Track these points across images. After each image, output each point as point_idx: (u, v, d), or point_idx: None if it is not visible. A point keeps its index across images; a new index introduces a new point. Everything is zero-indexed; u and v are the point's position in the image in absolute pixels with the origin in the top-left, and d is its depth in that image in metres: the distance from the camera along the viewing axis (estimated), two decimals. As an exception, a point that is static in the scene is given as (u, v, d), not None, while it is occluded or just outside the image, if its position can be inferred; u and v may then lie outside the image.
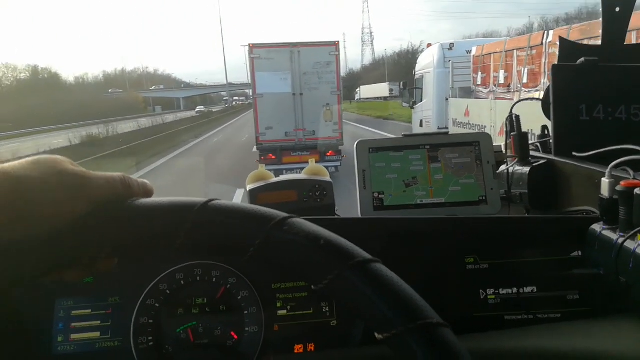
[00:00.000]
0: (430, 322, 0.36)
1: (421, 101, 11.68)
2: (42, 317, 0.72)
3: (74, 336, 0.72)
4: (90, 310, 0.73)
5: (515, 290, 0.77)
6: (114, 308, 0.73)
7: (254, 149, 11.31)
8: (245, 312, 0.74)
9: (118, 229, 0.42)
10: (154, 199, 0.44)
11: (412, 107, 12.29)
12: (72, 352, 0.71)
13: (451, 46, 10.97)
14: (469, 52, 10.70)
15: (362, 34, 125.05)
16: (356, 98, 68.16)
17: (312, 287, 0.40)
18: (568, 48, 1.17)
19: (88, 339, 0.72)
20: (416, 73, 12.23)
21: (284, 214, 0.42)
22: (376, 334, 0.38)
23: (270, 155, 10.36)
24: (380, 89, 63.16)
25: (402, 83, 12.47)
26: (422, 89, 11.69)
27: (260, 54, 10.20)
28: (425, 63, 11.58)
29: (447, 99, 10.50)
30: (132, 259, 0.73)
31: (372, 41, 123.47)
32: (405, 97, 12.54)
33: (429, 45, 12.27)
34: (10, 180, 0.38)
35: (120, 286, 0.73)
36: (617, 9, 1.09)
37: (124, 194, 0.44)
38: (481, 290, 0.77)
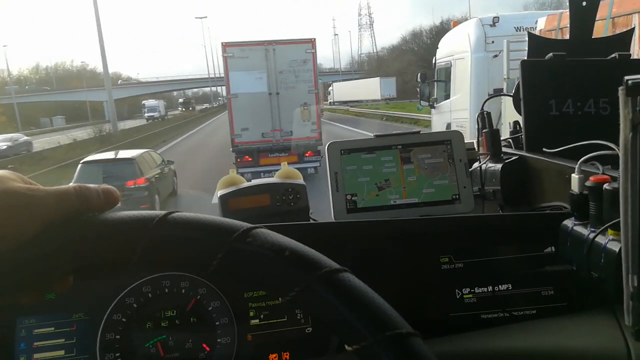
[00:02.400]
0: (399, 332, 0.35)
1: (446, 98, 8.87)
2: (2, 338, 0.69)
3: (37, 356, 0.69)
4: (53, 328, 0.70)
5: (490, 288, 0.76)
6: (79, 324, 0.70)
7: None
8: (217, 323, 0.72)
9: (71, 248, 0.40)
10: (110, 214, 0.42)
11: (432, 107, 9.37)
12: None
13: (494, 21, 7.94)
14: (519, 28, 7.71)
15: (359, 15, 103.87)
16: (329, 100, 53.80)
17: (280, 299, 0.39)
18: (537, 43, 1.17)
19: (52, 358, 0.69)
20: (438, 62, 9.31)
21: (247, 225, 0.40)
22: (346, 346, 0.37)
23: (247, 157, 10.18)
24: (367, 89, 45.85)
25: (419, 75, 9.12)
26: (446, 81, 8.92)
27: (234, 52, 10.04)
28: (455, 47, 8.66)
29: (489, 95, 6.37)
30: (92, 275, 0.71)
31: (371, 24, 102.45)
32: (424, 94, 9.27)
33: (455, 23, 9.49)
34: None
35: (85, 301, 0.71)
36: (584, 3, 1.10)
37: (80, 208, 0.41)
38: (457, 290, 0.76)
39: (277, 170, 1.06)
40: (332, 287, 0.37)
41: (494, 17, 7.98)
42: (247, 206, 0.97)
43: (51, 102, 72.95)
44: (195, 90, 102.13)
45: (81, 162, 9.04)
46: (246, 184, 1.01)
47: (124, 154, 9.88)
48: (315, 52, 10.19)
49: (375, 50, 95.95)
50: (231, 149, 10.39)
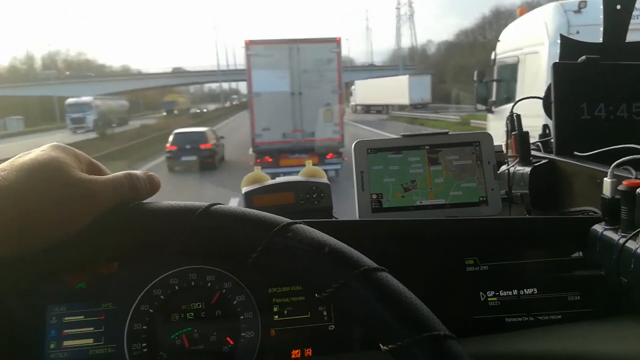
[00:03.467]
0: (437, 334, 0.35)
1: (507, 102, 7.36)
2: (34, 324, 0.71)
3: (66, 343, 0.71)
4: (83, 317, 0.72)
5: (515, 292, 0.76)
6: (107, 314, 0.72)
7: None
8: (241, 317, 0.72)
9: (120, 234, 0.41)
10: (157, 203, 0.43)
11: (490, 111, 7.81)
12: (65, 359, 0.70)
13: (581, 6, 6.23)
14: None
15: (398, 4, 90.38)
16: (350, 102, 44.63)
17: (316, 295, 0.39)
18: (569, 46, 1.15)
19: (81, 345, 0.71)
20: (499, 57, 7.72)
21: (287, 220, 0.41)
22: (381, 345, 0.37)
23: (267, 157, 10.00)
24: (392, 90, 35.86)
25: (476, 73, 7.70)
26: (509, 81, 7.38)
27: (257, 50, 9.88)
28: (524, 39, 7.02)
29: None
30: (128, 263, 0.72)
31: (411, 15, 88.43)
32: (481, 96, 7.74)
33: (522, 11, 7.63)
34: (11, 195, 0.36)
35: (114, 292, 0.72)
36: (618, 7, 1.08)
37: (130, 197, 0.43)
38: (481, 293, 0.76)
39: (297, 172, 1.06)
40: (371, 285, 0.37)
41: (580, 2, 6.21)
42: (271, 203, 0.98)
43: (11, 98, 53.62)
44: (197, 86, 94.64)
45: (174, 132, 14.56)
46: (271, 182, 1.02)
47: (198, 129, 15.74)
48: (340, 51, 10.01)
49: (415, 44, 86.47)
50: (251, 150, 10.32)
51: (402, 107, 36.00)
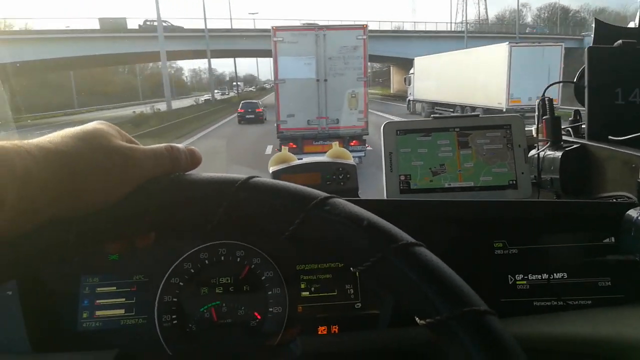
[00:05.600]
0: (477, 309, 0.35)
1: None
2: (68, 293, 0.73)
3: (98, 313, 0.72)
4: (115, 288, 0.73)
5: (545, 276, 0.75)
6: (139, 286, 0.73)
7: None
8: (269, 292, 0.73)
9: (161, 204, 0.41)
10: (197, 175, 0.43)
11: None
12: (97, 329, 0.72)
13: None
14: None
15: None
16: (409, 96, 25.96)
17: (352, 268, 0.39)
18: (603, 30, 1.12)
19: (113, 315, 0.72)
20: None
21: (325, 194, 0.41)
22: (418, 319, 0.36)
23: (291, 144, 9.93)
24: (478, 71, 17.33)
25: None
26: None
27: (284, 37, 9.79)
28: None
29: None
30: (163, 235, 0.73)
31: None
32: None
33: None
34: (61, 157, 0.37)
35: (145, 264, 0.74)
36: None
37: (171, 169, 0.43)
38: (509, 276, 0.75)
39: None
40: (410, 260, 0.37)
41: None
42: (298, 183, 0.98)
43: None
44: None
45: (242, 102, 24.89)
46: (298, 162, 1.02)
47: (255, 100, 26.24)
48: (367, 38, 9.86)
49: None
50: (277, 136, 10.28)
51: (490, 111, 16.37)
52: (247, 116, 22.77)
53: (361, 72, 9.95)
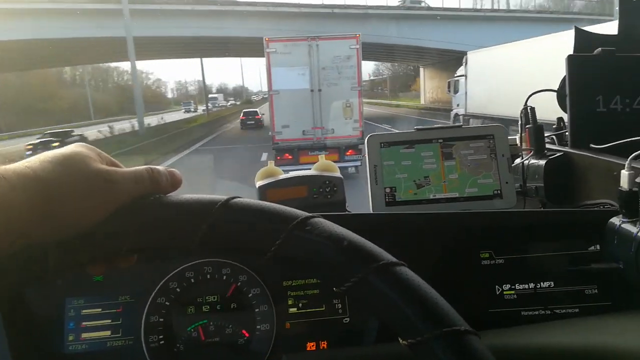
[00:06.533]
0: (457, 329, 0.35)
1: None
2: (53, 316, 0.72)
3: (84, 335, 0.72)
4: (100, 309, 0.72)
5: (532, 285, 0.75)
6: (125, 307, 0.73)
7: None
8: (257, 310, 0.73)
9: (140, 227, 0.41)
10: (177, 196, 0.43)
11: None
12: (83, 351, 0.71)
13: None
14: None
15: None
16: (454, 107, 16.85)
17: (334, 289, 0.39)
18: (583, 37, 1.14)
19: (99, 337, 0.72)
20: None
21: (306, 214, 0.41)
22: (400, 339, 0.36)
23: (287, 155, 9.96)
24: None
25: None
26: None
27: (277, 48, 9.81)
28: None
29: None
30: (146, 256, 0.73)
31: None
32: None
33: None
34: (37, 183, 0.37)
35: (131, 285, 0.73)
36: (635, -2, 1.06)
37: (151, 190, 0.43)
38: (497, 286, 0.75)
39: None
40: (390, 279, 0.37)
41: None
42: (285, 197, 0.98)
43: None
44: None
45: (243, 110, 29.76)
46: (284, 176, 1.02)
47: (254, 109, 30.61)
48: (360, 48, 9.91)
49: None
50: (272, 147, 10.26)
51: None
52: (248, 122, 26.82)
53: (355, 82, 10.00)
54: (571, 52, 1.07)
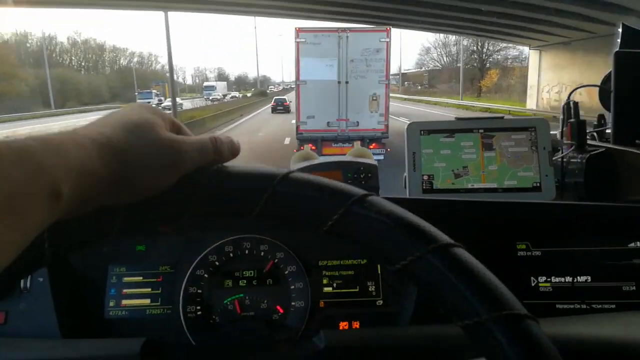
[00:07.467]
0: (518, 312, 0.34)
1: None
2: (96, 281, 0.74)
3: (125, 302, 0.74)
4: (141, 278, 0.75)
5: (568, 278, 0.74)
6: (165, 277, 0.74)
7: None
8: (292, 287, 0.74)
9: (204, 194, 0.42)
10: (240, 167, 0.44)
11: None
12: (123, 317, 0.73)
13: None
14: None
15: None
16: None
17: (388, 267, 0.39)
18: (630, 34, 1.11)
19: (139, 305, 0.74)
20: None
21: (364, 191, 0.41)
22: (455, 321, 0.36)
23: (310, 145, 9.79)
24: None
25: None
26: None
27: (307, 38, 9.76)
28: None
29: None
30: (187, 229, 0.75)
31: None
32: None
33: None
34: (111, 150, 0.38)
35: (171, 256, 0.75)
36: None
37: (214, 160, 0.44)
38: (532, 277, 0.75)
39: None
40: (448, 260, 0.37)
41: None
42: None
43: None
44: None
45: (274, 98, 35.65)
46: (319, 160, 1.03)
47: (283, 96, 34.97)
48: (390, 41, 9.80)
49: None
50: (296, 137, 10.27)
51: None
52: (278, 108, 30.81)
53: (383, 75, 9.89)
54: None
